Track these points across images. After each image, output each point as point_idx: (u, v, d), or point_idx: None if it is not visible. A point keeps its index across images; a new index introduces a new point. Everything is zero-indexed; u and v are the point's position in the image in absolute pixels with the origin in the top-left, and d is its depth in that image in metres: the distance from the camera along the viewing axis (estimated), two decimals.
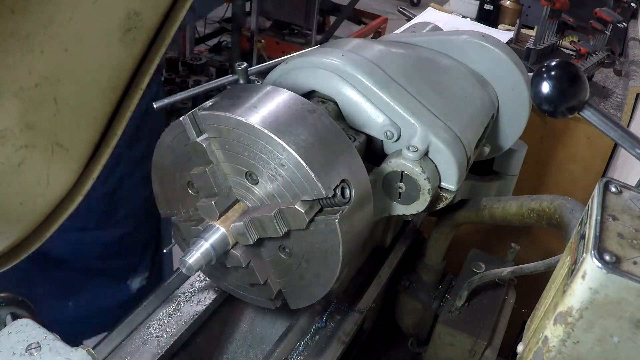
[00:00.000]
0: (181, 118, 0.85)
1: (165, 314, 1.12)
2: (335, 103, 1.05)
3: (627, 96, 2.10)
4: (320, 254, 0.89)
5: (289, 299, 0.99)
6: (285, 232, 0.87)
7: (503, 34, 2.56)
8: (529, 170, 1.64)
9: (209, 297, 1.17)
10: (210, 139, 0.86)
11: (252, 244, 0.89)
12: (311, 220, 0.85)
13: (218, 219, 0.89)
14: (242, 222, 0.86)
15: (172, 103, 1.18)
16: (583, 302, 0.55)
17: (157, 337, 1.07)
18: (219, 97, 0.88)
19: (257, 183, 0.86)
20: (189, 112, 0.87)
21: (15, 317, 0.81)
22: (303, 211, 0.83)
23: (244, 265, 0.93)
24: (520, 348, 0.70)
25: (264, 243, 0.92)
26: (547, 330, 0.60)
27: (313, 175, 0.81)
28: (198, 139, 0.86)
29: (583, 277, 0.55)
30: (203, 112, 0.84)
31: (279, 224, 0.85)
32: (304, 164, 0.80)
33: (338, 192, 0.84)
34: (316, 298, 0.96)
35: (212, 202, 0.87)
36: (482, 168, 1.44)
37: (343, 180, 0.85)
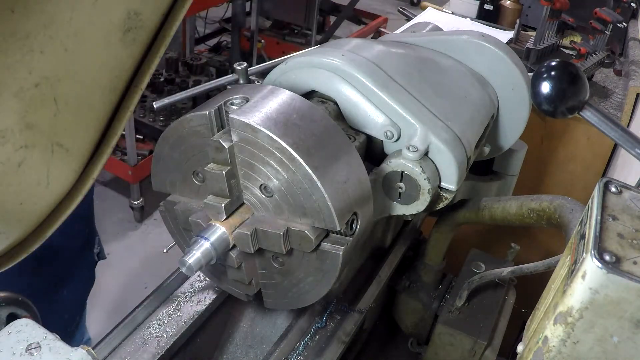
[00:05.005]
0: (206, 112, 0.84)
1: (165, 314, 1.12)
2: (335, 103, 1.05)
3: (627, 96, 2.10)
4: (315, 271, 0.90)
5: (266, 298, 1.00)
6: (288, 249, 0.87)
7: (503, 34, 2.56)
8: (529, 170, 1.64)
9: (209, 297, 1.17)
10: (234, 143, 0.84)
11: (252, 252, 0.89)
12: (317, 246, 0.86)
13: (223, 221, 0.89)
14: (248, 232, 0.86)
15: (172, 103, 1.18)
16: (583, 302, 0.55)
17: (157, 337, 1.07)
18: (241, 98, 0.86)
19: (271, 196, 0.86)
20: (215, 107, 0.85)
21: (14, 317, 0.81)
22: (313, 238, 0.84)
23: (236, 267, 0.93)
24: (520, 348, 0.70)
25: (260, 250, 0.92)
26: (547, 330, 0.60)
27: (335, 216, 0.82)
28: (222, 140, 0.84)
29: (583, 277, 0.55)
30: (233, 117, 0.82)
31: (284, 242, 0.86)
32: (330, 204, 0.81)
33: (347, 224, 0.86)
34: (300, 305, 0.97)
35: (222, 204, 0.86)
36: (482, 168, 1.44)
37: (354, 214, 0.87)
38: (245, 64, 1.16)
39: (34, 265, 1.51)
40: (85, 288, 1.93)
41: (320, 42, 3.07)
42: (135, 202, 3.47)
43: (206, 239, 0.87)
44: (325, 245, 0.86)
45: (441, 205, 1.06)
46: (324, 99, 1.06)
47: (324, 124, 0.88)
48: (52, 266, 1.65)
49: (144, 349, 1.05)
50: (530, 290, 1.17)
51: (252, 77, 1.19)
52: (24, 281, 1.48)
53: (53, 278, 1.69)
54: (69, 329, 1.84)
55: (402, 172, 0.99)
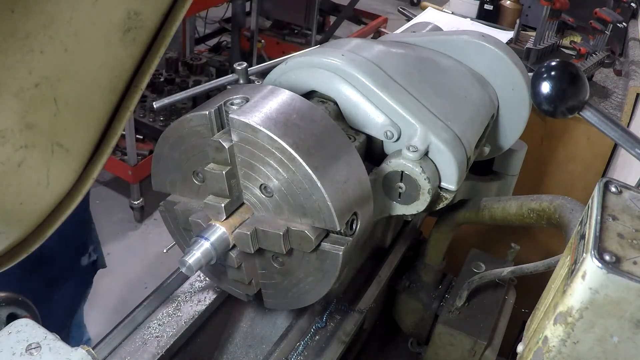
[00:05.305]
0: (206, 112, 0.84)
1: (165, 314, 1.12)
2: (335, 103, 1.05)
3: (627, 96, 2.10)
4: (315, 271, 0.90)
5: (266, 298, 1.00)
6: (288, 249, 0.87)
7: (503, 34, 2.56)
8: (529, 170, 1.64)
9: (209, 297, 1.17)
10: (234, 142, 0.84)
11: (252, 252, 0.89)
12: (317, 246, 0.86)
13: (223, 221, 0.89)
14: (248, 232, 0.86)
15: (172, 103, 1.18)
16: (583, 302, 0.55)
17: (157, 337, 1.07)
18: (241, 98, 0.86)
19: (271, 196, 0.86)
20: (215, 107, 0.84)
21: (14, 317, 0.81)
22: (313, 238, 0.84)
23: (236, 267, 0.93)
24: (520, 348, 0.70)
25: (260, 250, 0.92)
26: (547, 330, 0.60)
27: (335, 216, 0.82)
28: (222, 140, 0.84)
29: (583, 277, 0.55)
30: (233, 117, 0.82)
31: (284, 242, 0.86)
32: (330, 204, 0.81)
33: (347, 224, 0.86)
34: (300, 305, 0.97)
35: (222, 204, 0.86)
36: (482, 168, 1.44)
37: (354, 214, 0.87)
38: (245, 64, 1.16)
39: (25, 268, 1.50)
40: (77, 295, 1.91)
41: (320, 42, 3.07)
42: (135, 202, 3.47)
43: (206, 239, 0.87)
44: (325, 245, 0.86)
45: (441, 205, 1.06)
46: (324, 99, 1.06)
47: (324, 124, 0.88)
48: (42, 270, 1.64)
49: (144, 349, 1.05)
50: (530, 290, 1.17)
51: (252, 77, 1.19)
52: (13, 284, 1.47)
53: (42, 282, 1.68)
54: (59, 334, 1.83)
55: (402, 172, 0.99)
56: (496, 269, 1.31)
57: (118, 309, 2.89)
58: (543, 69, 0.81)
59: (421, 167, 0.97)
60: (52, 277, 1.70)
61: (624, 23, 2.38)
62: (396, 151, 1.01)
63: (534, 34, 2.40)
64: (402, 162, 0.98)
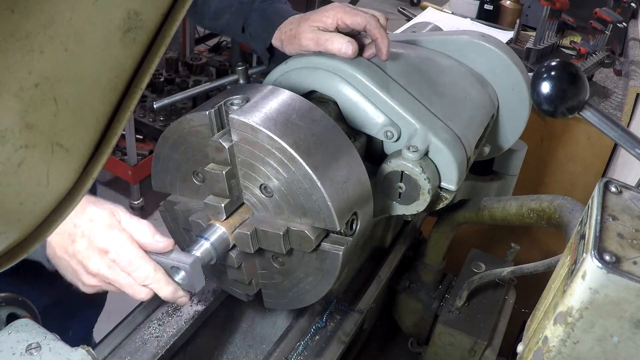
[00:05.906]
0: (207, 112, 0.84)
1: (165, 314, 1.12)
2: (335, 103, 1.05)
3: (627, 96, 2.10)
4: (315, 271, 0.90)
5: (266, 298, 1.00)
6: (288, 249, 0.87)
7: (503, 34, 2.56)
8: (529, 170, 1.64)
9: (209, 297, 1.17)
10: (234, 142, 0.84)
11: (252, 252, 0.89)
12: (317, 246, 0.86)
13: (223, 221, 0.89)
14: (248, 232, 0.86)
15: (172, 103, 1.18)
16: (583, 302, 0.55)
17: (157, 337, 1.07)
18: (241, 98, 0.86)
19: (271, 196, 0.86)
20: (215, 107, 0.84)
21: (14, 317, 0.81)
22: (313, 238, 0.84)
23: (236, 267, 0.93)
24: (520, 348, 0.70)
25: (260, 250, 0.93)
26: (547, 330, 0.60)
27: (335, 216, 0.82)
28: (222, 140, 0.84)
29: (583, 277, 0.55)
30: (233, 117, 0.82)
31: (284, 242, 0.86)
32: (330, 204, 0.81)
33: (347, 224, 0.86)
34: (300, 306, 0.98)
35: (222, 204, 0.86)
36: (482, 168, 1.44)
37: (354, 214, 0.87)
38: (245, 65, 1.16)
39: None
40: (93, 319, 1.89)
41: None
42: (135, 202, 3.46)
43: (206, 239, 0.87)
44: (325, 245, 0.86)
45: (441, 205, 1.06)
46: (324, 99, 1.06)
47: (324, 124, 0.88)
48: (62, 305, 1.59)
49: (144, 349, 1.05)
50: (530, 290, 1.17)
51: (252, 77, 1.19)
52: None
53: (62, 318, 1.64)
54: None
55: (402, 172, 0.99)
56: (496, 269, 1.31)
57: (118, 309, 2.88)
58: (543, 69, 0.81)
59: (421, 167, 0.97)
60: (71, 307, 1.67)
61: (624, 23, 2.38)
62: (396, 151, 1.01)
63: (534, 34, 2.40)
64: (402, 162, 0.98)
